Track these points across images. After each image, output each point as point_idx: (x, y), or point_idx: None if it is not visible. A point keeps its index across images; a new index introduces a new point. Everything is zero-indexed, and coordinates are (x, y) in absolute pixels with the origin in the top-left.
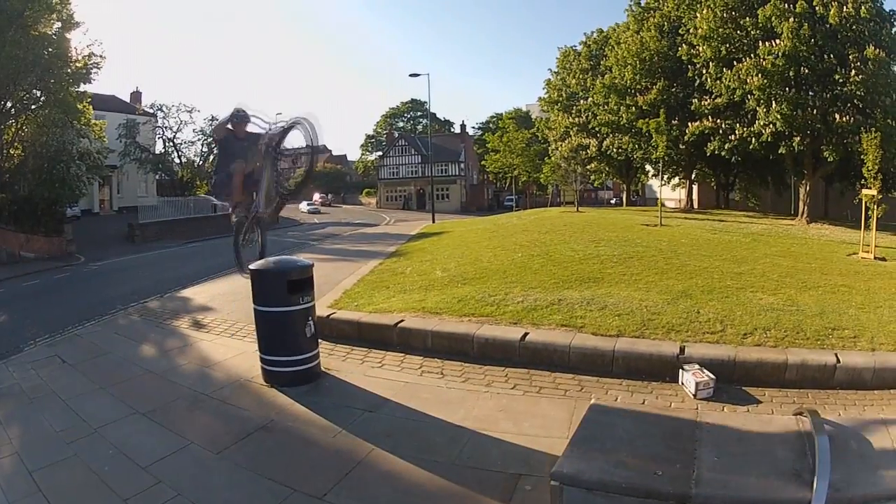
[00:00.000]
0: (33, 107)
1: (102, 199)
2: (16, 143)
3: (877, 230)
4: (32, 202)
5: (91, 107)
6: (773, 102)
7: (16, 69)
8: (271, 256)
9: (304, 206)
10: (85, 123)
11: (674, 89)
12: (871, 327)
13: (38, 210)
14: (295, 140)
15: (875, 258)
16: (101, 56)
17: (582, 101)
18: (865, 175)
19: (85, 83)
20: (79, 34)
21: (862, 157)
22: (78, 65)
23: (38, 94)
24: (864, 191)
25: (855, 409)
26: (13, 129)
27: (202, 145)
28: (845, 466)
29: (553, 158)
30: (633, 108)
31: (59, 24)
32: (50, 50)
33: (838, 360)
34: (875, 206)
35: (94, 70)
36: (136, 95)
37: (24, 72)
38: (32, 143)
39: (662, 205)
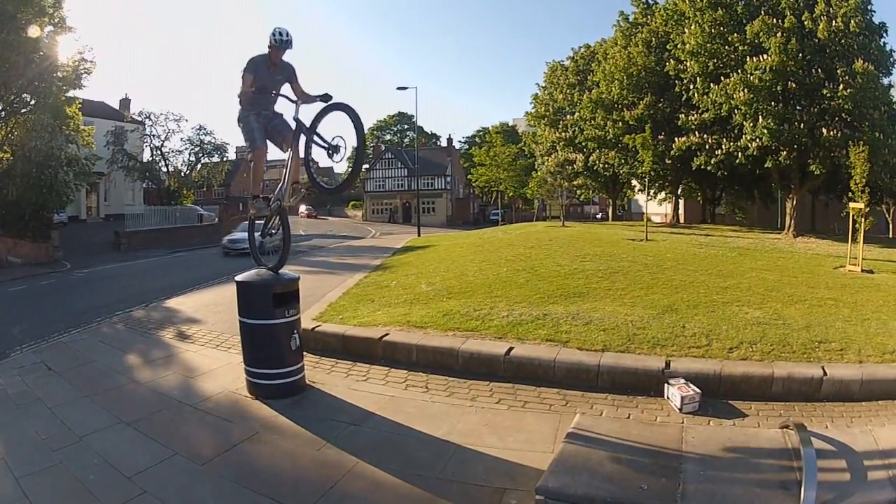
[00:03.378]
0: (23, 111)
1: (89, 206)
2: (5, 147)
3: (864, 243)
4: (20, 207)
5: (81, 113)
6: (760, 117)
7: (7, 72)
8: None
9: (302, 208)
10: (74, 129)
11: (661, 104)
12: (859, 340)
13: (25, 215)
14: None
15: (862, 271)
16: (91, 61)
17: (569, 116)
18: (853, 188)
19: (75, 88)
20: (70, 39)
21: (849, 170)
22: (68, 70)
23: (29, 97)
24: (852, 204)
25: (842, 421)
26: (3, 133)
27: (189, 154)
28: (832, 479)
29: (539, 173)
30: (620, 123)
31: (50, 28)
32: (41, 54)
33: (825, 373)
34: (862, 220)
35: (85, 75)
36: (125, 103)
37: (15, 75)
38: (21, 148)
39: (648, 219)
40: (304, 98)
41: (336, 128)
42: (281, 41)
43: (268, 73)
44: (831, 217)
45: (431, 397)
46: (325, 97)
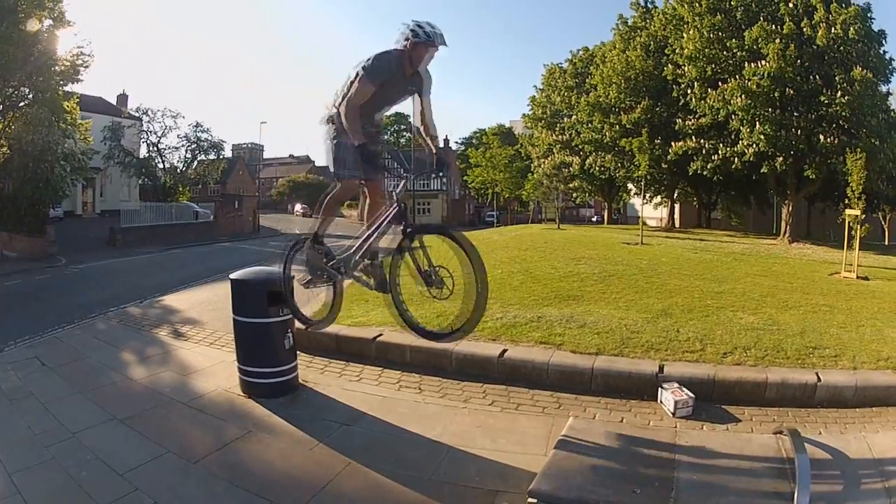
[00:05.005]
0: (21, 105)
1: (85, 202)
2: (2, 141)
3: (859, 250)
4: (16, 201)
5: (78, 107)
6: (757, 123)
7: (5, 66)
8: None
9: (298, 207)
10: (71, 124)
11: (658, 109)
12: (853, 346)
13: (21, 209)
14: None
15: (857, 277)
16: (89, 55)
17: (566, 119)
18: (849, 195)
19: (73, 83)
20: (69, 34)
21: (846, 177)
22: (67, 64)
23: (27, 91)
24: (848, 211)
25: (836, 427)
26: (0, 127)
27: (186, 151)
28: (826, 485)
29: (535, 175)
30: (617, 127)
31: (49, 22)
32: (40, 47)
33: (819, 379)
34: (858, 226)
35: (83, 69)
36: (123, 98)
37: (13, 69)
38: (18, 142)
39: (644, 223)
40: (428, 129)
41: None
42: (434, 35)
43: (399, 79)
44: (827, 223)
45: (424, 398)
46: (441, 157)
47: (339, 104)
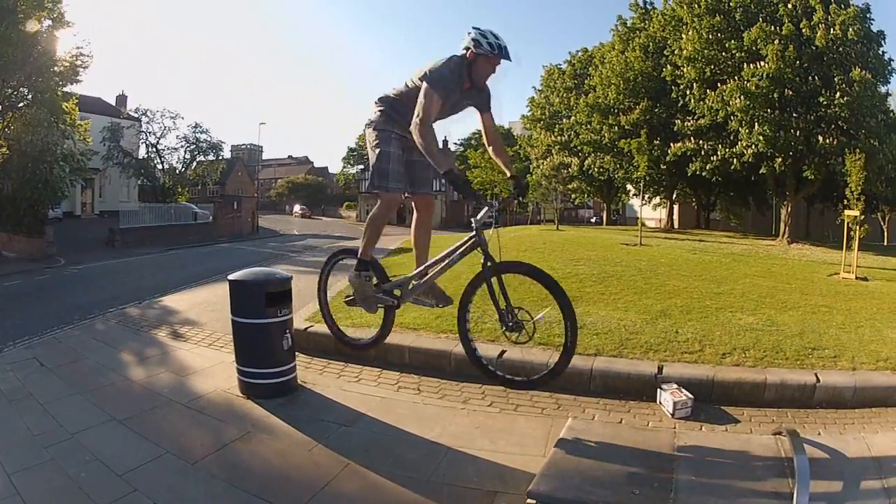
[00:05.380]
0: (20, 105)
1: (84, 202)
2: (1, 142)
3: (858, 250)
4: (15, 202)
5: (77, 108)
6: (756, 124)
7: (4, 67)
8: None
9: (297, 208)
10: (71, 124)
11: (657, 110)
12: (852, 347)
13: (20, 210)
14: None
15: (857, 278)
16: (89, 56)
17: (565, 120)
18: (848, 196)
19: (72, 83)
20: (68, 34)
21: (845, 177)
22: (66, 64)
23: (26, 92)
24: (847, 212)
25: (835, 428)
26: (0, 127)
27: (185, 152)
28: (825, 486)
29: (534, 176)
30: (616, 128)
31: (49, 23)
32: (39, 48)
33: (818, 380)
34: (857, 227)
35: (82, 70)
36: (122, 99)
37: (12, 70)
38: (17, 142)
39: (643, 224)
40: (501, 150)
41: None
42: (500, 47)
43: (459, 92)
44: (826, 224)
45: (423, 399)
46: (521, 181)
47: (417, 122)
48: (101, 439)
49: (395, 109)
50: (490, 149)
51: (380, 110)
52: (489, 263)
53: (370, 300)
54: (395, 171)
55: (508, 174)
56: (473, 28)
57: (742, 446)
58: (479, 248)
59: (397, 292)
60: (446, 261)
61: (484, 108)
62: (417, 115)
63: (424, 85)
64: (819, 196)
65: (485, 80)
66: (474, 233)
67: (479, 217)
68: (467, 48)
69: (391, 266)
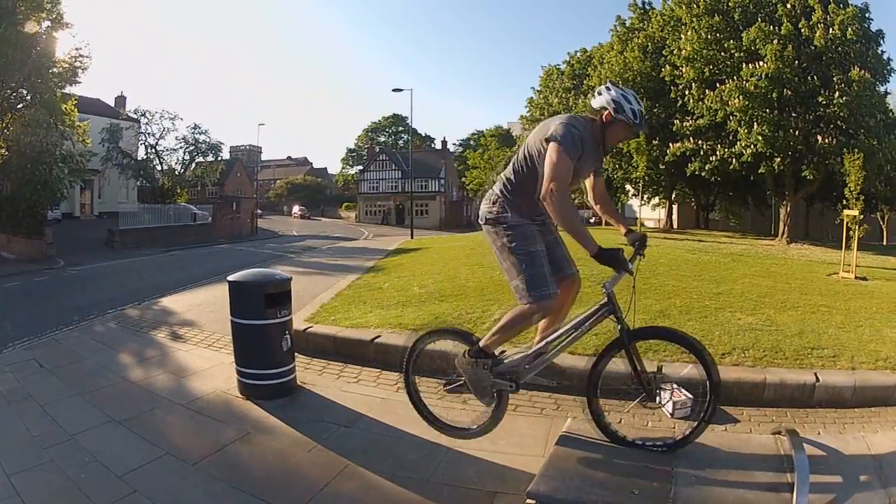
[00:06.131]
0: (19, 106)
1: (83, 203)
2: (0, 143)
3: (858, 250)
4: (14, 203)
5: (76, 109)
6: (755, 124)
7: (3, 68)
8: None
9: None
10: (70, 125)
11: (656, 110)
12: (852, 346)
13: (19, 211)
14: None
15: (856, 278)
16: (87, 57)
17: None
18: (847, 196)
19: (71, 84)
20: (67, 35)
21: (844, 177)
22: (65, 66)
23: (25, 93)
24: (846, 211)
25: (835, 427)
26: None
27: (184, 153)
28: (824, 484)
29: None
30: None
31: (48, 24)
32: (38, 49)
33: (818, 379)
34: (856, 227)
35: (81, 71)
36: (121, 100)
37: (11, 71)
38: (17, 143)
39: (642, 224)
40: (610, 208)
41: None
42: (640, 115)
43: (588, 154)
44: (825, 224)
45: (423, 400)
46: (642, 237)
47: (551, 189)
48: (100, 440)
49: (512, 192)
50: (598, 207)
51: (498, 201)
52: (624, 329)
53: (487, 389)
54: (548, 270)
55: (624, 231)
56: (613, 86)
57: (741, 446)
58: (612, 316)
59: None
60: (573, 334)
61: (599, 170)
62: (550, 181)
63: (554, 146)
64: (818, 196)
65: (616, 145)
66: (606, 300)
67: (612, 281)
68: (603, 108)
69: (391, 267)
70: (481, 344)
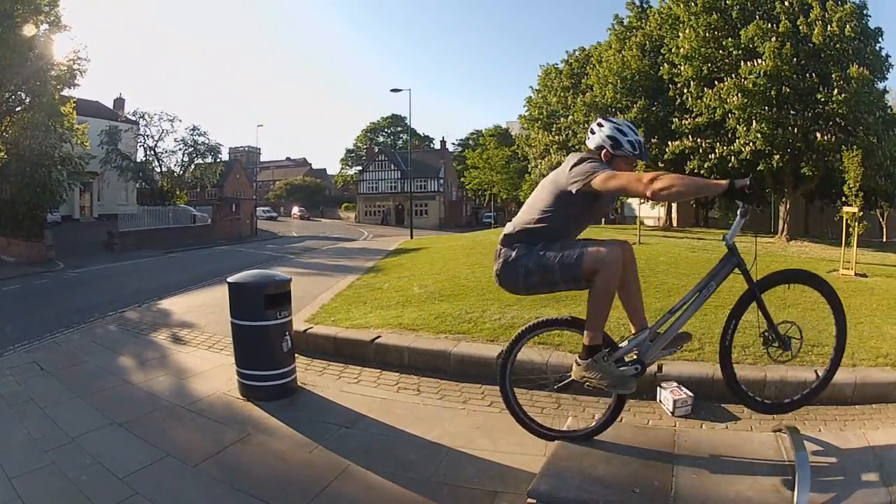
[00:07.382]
0: (18, 109)
1: (83, 206)
2: None
3: (857, 247)
4: (14, 206)
5: (75, 112)
6: (754, 121)
7: (2, 70)
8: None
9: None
10: (68, 128)
11: (654, 108)
12: (852, 343)
13: (18, 214)
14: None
15: (856, 275)
16: (86, 59)
17: (562, 119)
18: (847, 193)
19: (70, 87)
20: (65, 38)
21: (843, 174)
22: (63, 68)
23: (24, 96)
24: (846, 208)
25: (835, 424)
26: None
27: (183, 155)
28: (825, 482)
29: (532, 176)
30: None
31: (46, 26)
32: (36, 52)
33: (818, 377)
34: (856, 224)
35: (79, 74)
36: (120, 102)
37: (10, 73)
38: (16, 146)
39: (641, 223)
40: None
41: None
42: (639, 145)
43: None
44: (825, 221)
45: (423, 400)
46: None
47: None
48: (101, 442)
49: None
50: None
51: (513, 244)
52: (752, 281)
53: (624, 379)
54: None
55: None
56: (606, 121)
57: (742, 444)
58: (737, 269)
59: (632, 356)
60: (697, 297)
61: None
62: (642, 186)
63: (602, 176)
64: (818, 193)
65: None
66: (729, 252)
67: (732, 231)
68: (600, 147)
69: (391, 267)
70: (586, 342)
